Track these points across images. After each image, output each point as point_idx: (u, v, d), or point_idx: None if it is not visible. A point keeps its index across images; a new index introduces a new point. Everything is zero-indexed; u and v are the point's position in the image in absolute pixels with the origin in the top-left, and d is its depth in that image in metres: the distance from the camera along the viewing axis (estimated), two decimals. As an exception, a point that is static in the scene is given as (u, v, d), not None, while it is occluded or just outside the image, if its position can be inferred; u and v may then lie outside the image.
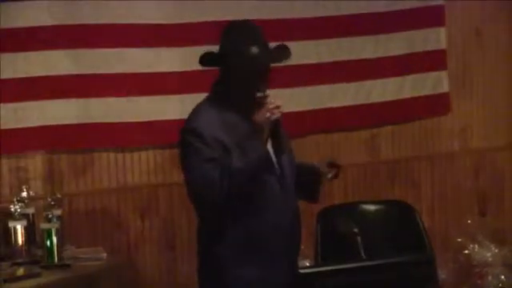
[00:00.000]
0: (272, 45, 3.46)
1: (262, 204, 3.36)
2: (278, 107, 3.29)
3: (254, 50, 3.32)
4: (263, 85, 3.32)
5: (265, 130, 3.29)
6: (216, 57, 3.40)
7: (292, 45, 4.99)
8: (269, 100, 3.29)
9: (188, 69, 4.85)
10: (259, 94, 3.29)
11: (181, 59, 4.89)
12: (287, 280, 3.42)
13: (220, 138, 3.30)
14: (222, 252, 3.40)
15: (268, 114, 3.27)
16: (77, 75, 4.77)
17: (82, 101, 4.78)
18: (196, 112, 3.42)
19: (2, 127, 4.65)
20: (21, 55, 4.67)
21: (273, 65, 3.42)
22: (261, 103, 3.29)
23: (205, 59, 3.41)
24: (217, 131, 3.31)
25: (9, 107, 4.66)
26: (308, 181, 3.59)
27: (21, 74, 4.67)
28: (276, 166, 3.41)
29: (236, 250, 3.38)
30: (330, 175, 3.61)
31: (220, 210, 3.32)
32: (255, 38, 3.38)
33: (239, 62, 3.33)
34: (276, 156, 3.39)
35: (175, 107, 4.82)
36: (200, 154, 3.28)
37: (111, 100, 4.84)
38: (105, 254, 4.24)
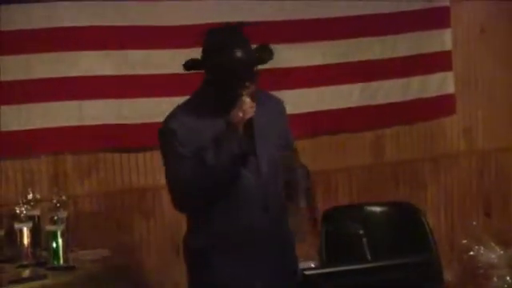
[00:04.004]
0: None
1: (233, 202, 3.41)
2: (252, 107, 3.33)
3: (237, 52, 3.35)
4: (247, 84, 3.36)
5: (239, 128, 3.33)
6: (199, 63, 3.45)
7: (297, 46, 5.14)
8: (246, 99, 3.33)
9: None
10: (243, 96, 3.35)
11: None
12: (271, 279, 3.47)
13: (196, 138, 3.36)
14: (204, 252, 3.46)
15: (241, 114, 3.31)
16: (80, 77, 4.77)
17: (84, 102, 4.79)
18: (173, 113, 3.49)
19: (5, 129, 4.66)
20: (22, 57, 4.67)
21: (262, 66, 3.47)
22: (237, 102, 3.34)
23: (188, 65, 3.47)
24: (191, 132, 3.37)
25: (11, 109, 4.67)
26: None
27: (23, 75, 4.68)
28: (253, 162, 3.43)
29: (215, 250, 3.44)
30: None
31: (193, 206, 3.41)
32: (237, 40, 3.40)
33: (222, 66, 3.35)
34: (247, 155, 3.41)
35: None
36: (174, 153, 3.38)
37: (114, 101, 4.84)
38: (110, 256, 4.24)
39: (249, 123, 3.34)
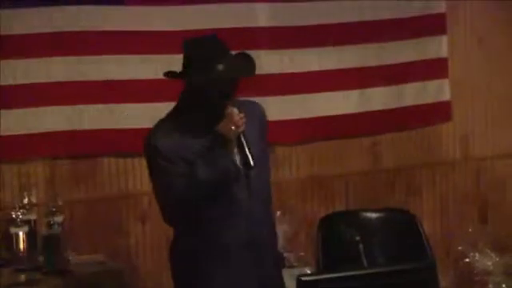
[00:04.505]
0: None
1: (225, 214, 3.38)
2: (241, 118, 3.30)
3: (219, 67, 3.30)
4: (230, 97, 3.33)
5: (231, 141, 3.30)
6: (180, 74, 3.41)
7: (295, 52, 5.14)
8: (234, 111, 3.29)
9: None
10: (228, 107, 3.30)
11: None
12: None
13: (182, 154, 3.31)
14: (191, 262, 3.47)
15: (233, 127, 3.28)
16: (77, 82, 4.77)
17: (83, 107, 4.79)
18: (159, 128, 3.43)
19: (4, 133, 4.65)
20: (21, 62, 4.67)
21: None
22: (225, 114, 3.30)
23: (169, 76, 3.44)
24: (179, 147, 3.32)
25: (10, 113, 4.67)
26: None
27: (22, 80, 4.68)
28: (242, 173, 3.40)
29: (204, 261, 3.43)
30: None
31: (186, 221, 3.38)
32: (218, 53, 3.35)
33: (204, 81, 3.31)
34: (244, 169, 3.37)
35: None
36: (164, 171, 3.32)
37: (113, 106, 4.84)
38: (106, 261, 4.24)
39: (241, 136, 3.32)
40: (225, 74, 3.31)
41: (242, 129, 3.30)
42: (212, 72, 3.30)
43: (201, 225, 3.41)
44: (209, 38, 3.44)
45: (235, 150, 3.35)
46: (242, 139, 3.32)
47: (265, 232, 3.51)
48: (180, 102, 3.47)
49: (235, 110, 3.30)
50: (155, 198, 3.46)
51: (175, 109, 3.48)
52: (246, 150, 3.32)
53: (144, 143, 3.44)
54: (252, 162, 3.31)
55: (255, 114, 3.53)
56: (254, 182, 3.43)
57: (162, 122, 3.47)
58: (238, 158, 3.36)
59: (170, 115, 3.48)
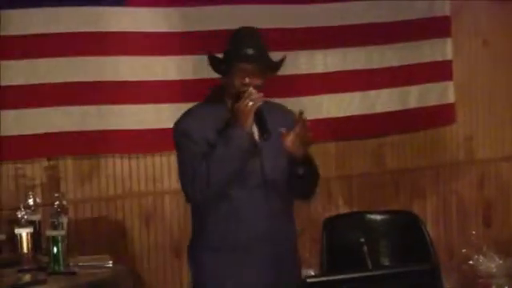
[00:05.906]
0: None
1: (240, 206, 3.43)
2: (260, 96, 3.39)
3: (249, 51, 3.43)
4: (247, 79, 3.42)
5: (248, 117, 3.37)
6: (218, 60, 3.51)
7: (300, 54, 5.14)
8: (250, 89, 3.39)
9: (191, 77, 4.87)
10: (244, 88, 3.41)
11: (184, 67, 4.91)
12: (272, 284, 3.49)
13: (209, 137, 3.41)
14: (205, 256, 3.50)
15: (251, 103, 3.36)
16: (80, 82, 4.77)
17: (85, 108, 4.79)
18: (188, 111, 3.57)
19: (5, 134, 4.66)
20: (23, 62, 4.68)
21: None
22: (241, 94, 3.40)
23: (210, 63, 3.53)
24: (206, 130, 3.42)
25: (11, 114, 4.67)
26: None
27: (23, 80, 4.68)
28: (258, 166, 3.46)
29: (217, 255, 3.46)
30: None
31: (209, 203, 3.42)
32: (253, 41, 3.49)
33: (234, 60, 3.43)
34: (263, 139, 3.43)
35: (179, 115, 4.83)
36: (188, 152, 3.43)
37: (115, 107, 4.84)
38: (110, 262, 4.24)
39: (259, 111, 3.39)
40: (252, 58, 3.42)
41: (258, 103, 3.37)
42: (241, 53, 3.42)
43: (216, 217, 3.45)
44: (248, 28, 3.58)
45: (253, 126, 3.43)
46: (261, 114, 3.40)
47: (281, 226, 3.54)
48: (211, 91, 3.58)
49: (254, 90, 3.40)
50: (183, 180, 3.47)
51: (206, 98, 3.60)
52: (263, 121, 3.40)
53: (174, 126, 3.56)
54: (268, 133, 3.39)
55: (290, 113, 3.61)
56: (267, 170, 3.47)
57: (193, 106, 3.59)
58: (255, 132, 3.45)
59: (203, 101, 3.60)
